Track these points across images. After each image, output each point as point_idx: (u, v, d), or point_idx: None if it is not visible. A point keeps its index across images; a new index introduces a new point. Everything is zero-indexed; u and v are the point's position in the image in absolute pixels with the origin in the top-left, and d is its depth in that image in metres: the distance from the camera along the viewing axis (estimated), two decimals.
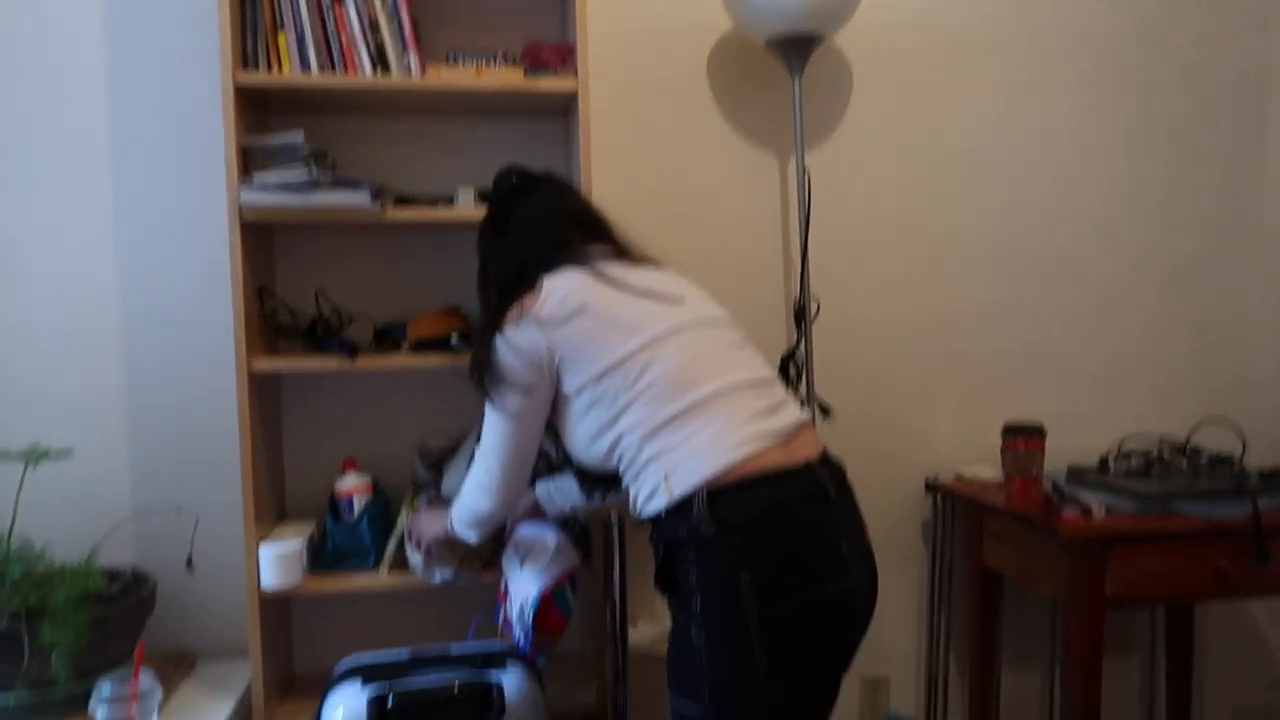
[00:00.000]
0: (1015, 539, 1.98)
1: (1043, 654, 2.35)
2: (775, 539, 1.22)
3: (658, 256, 1.52)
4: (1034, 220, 2.30)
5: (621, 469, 1.36)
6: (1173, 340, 2.36)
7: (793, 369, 2.06)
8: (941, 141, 2.25)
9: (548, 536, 1.71)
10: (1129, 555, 1.76)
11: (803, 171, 2.05)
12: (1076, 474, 2.01)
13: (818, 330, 2.20)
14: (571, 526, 1.88)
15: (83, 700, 1.65)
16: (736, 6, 1.97)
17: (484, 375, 1.41)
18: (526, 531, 1.75)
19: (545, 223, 1.49)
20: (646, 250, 1.52)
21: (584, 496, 1.64)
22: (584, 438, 1.39)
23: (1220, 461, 1.99)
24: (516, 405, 1.40)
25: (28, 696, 1.61)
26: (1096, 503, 1.78)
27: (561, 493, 1.70)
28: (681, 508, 1.25)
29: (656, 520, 1.31)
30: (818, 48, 2.02)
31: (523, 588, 1.68)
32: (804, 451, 1.31)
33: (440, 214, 1.80)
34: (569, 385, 1.36)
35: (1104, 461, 2.05)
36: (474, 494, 1.53)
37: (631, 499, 1.35)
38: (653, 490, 1.29)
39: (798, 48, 1.98)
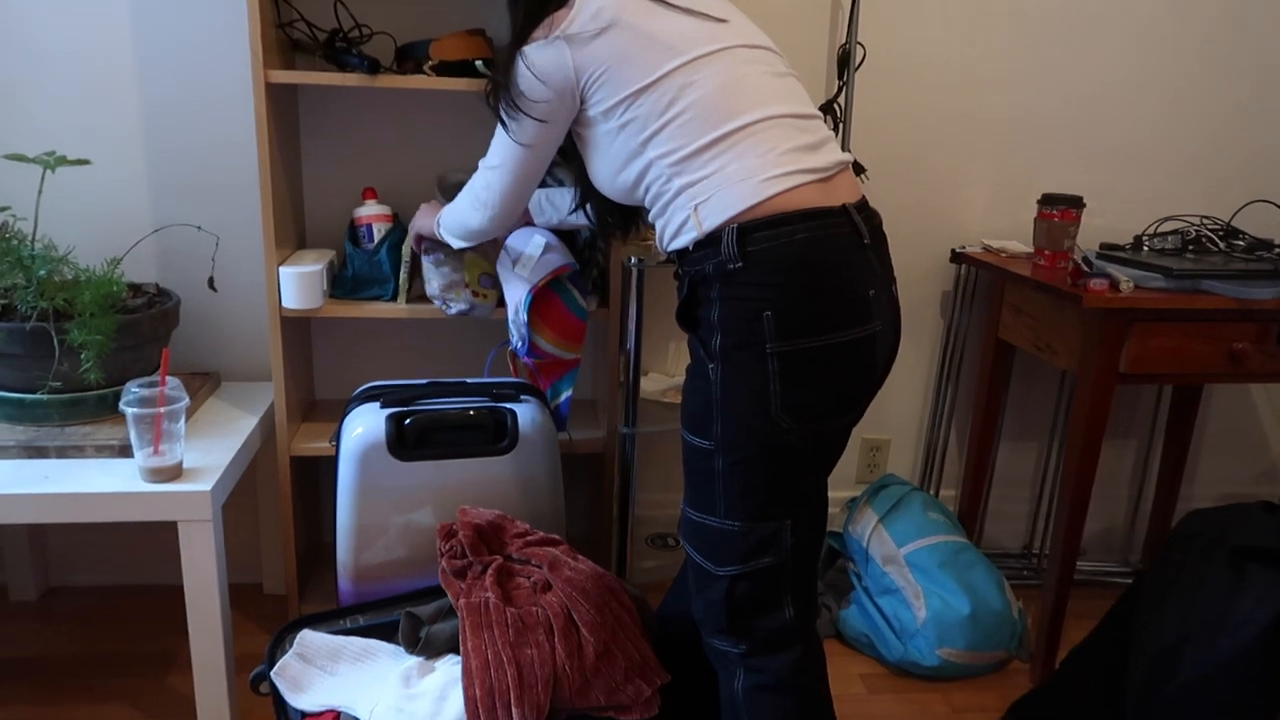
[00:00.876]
0: (1035, 310, 1.97)
1: (1041, 433, 2.41)
2: (802, 277, 1.18)
3: None
4: None
5: (648, 201, 1.31)
6: (1225, 122, 2.24)
7: (830, 121, 1.97)
8: None
9: (535, 237, 1.72)
10: (1149, 331, 1.75)
11: None
12: (1109, 250, 1.97)
13: (860, 82, 2.08)
14: (582, 252, 1.89)
15: (112, 403, 1.71)
16: None
17: (500, 96, 1.34)
18: (515, 237, 1.75)
19: None
20: None
21: (574, 209, 1.63)
22: (610, 166, 1.33)
23: (1259, 245, 1.93)
24: (531, 132, 1.34)
25: (60, 395, 1.67)
26: (1125, 277, 1.75)
27: (553, 204, 1.69)
28: (710, 241, 1.21)
29: (683, 253, 1.28)
30: None
31: (515, 290, 1.71)
32: (842, 194, 1.25)
33: None
34: (596, 107, 1.29)
35: (1139, 240, 2.01)
36: (469, 207, 1.51)
37: (659, 233, 1.32)
38: (682, 223, 1.25)
39: None
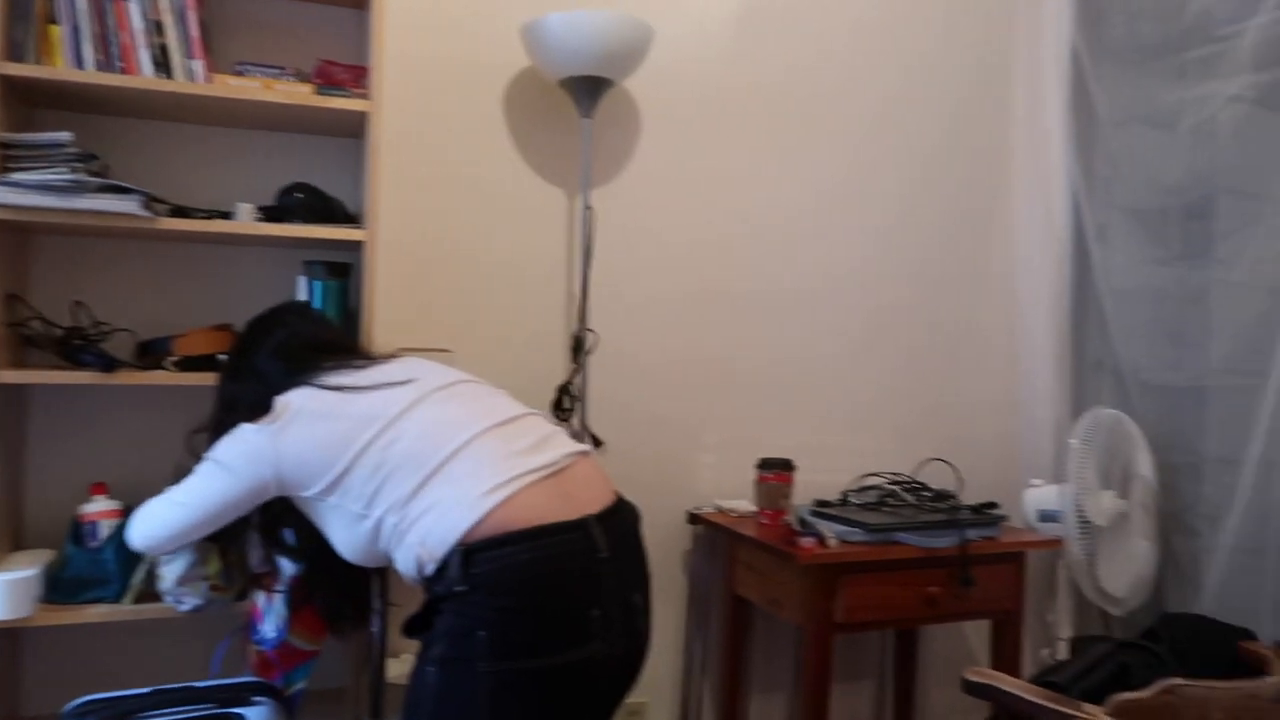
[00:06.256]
0: (762, 567, 2.14)
1: (788, 681, 2.53)
2: (519, 601, 1.25)
3: (393, 352, 1.57)
4: (799, 274, 2.51)
5: (389, 551, 1.38)
6: (911, 389, 2.63)
7: (567, 400, 2.15)
8: (719, 190, 2.43)
9: None
10: (857, 582, 1.96)
11: (586, 209, 2.16)
12: (820, 506, 2.21)
13: (594, 365, 2.30)
14: None
15: None
16: (532, 45, 2.07)
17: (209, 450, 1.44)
18: None
19: (285, 354, 1.51)
20: (383, 350, 1.58)
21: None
22: (344, 532, 1.40)
23: (940, 497, 2.24)
24: (223, 490, 1.42)
25: None
26: (831, 533, 1.97)
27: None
28: (443, 568, 1.28)
29: (426, 581, 1.34)
30: (608, 91, 2.14)
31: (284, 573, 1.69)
32: (581, 502, 1.34)
33: (216, 227, 1.77)
34: (311, 489, 1.38)
35: (845, 496, 2.27)
36: (153, 524, 1.50)
37: (404, 571, 1.37)
38: (415, 560, 1.32)
39: (588, 90, 2.09)
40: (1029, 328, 2.70)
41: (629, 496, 2.30)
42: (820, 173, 2.53)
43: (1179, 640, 2.00)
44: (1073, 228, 2.64)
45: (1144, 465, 2.38)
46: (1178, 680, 1.50)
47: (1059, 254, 2.63)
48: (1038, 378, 2.67)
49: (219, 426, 1.49)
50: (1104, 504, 2.27)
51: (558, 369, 2.28)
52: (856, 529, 2.02)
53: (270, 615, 1.71)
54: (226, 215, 1.86)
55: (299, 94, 1.82)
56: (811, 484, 2.50)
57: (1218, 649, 1.99)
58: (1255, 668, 1.86)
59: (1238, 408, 2.24)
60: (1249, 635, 1.96)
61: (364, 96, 1.86)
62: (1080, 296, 2.66)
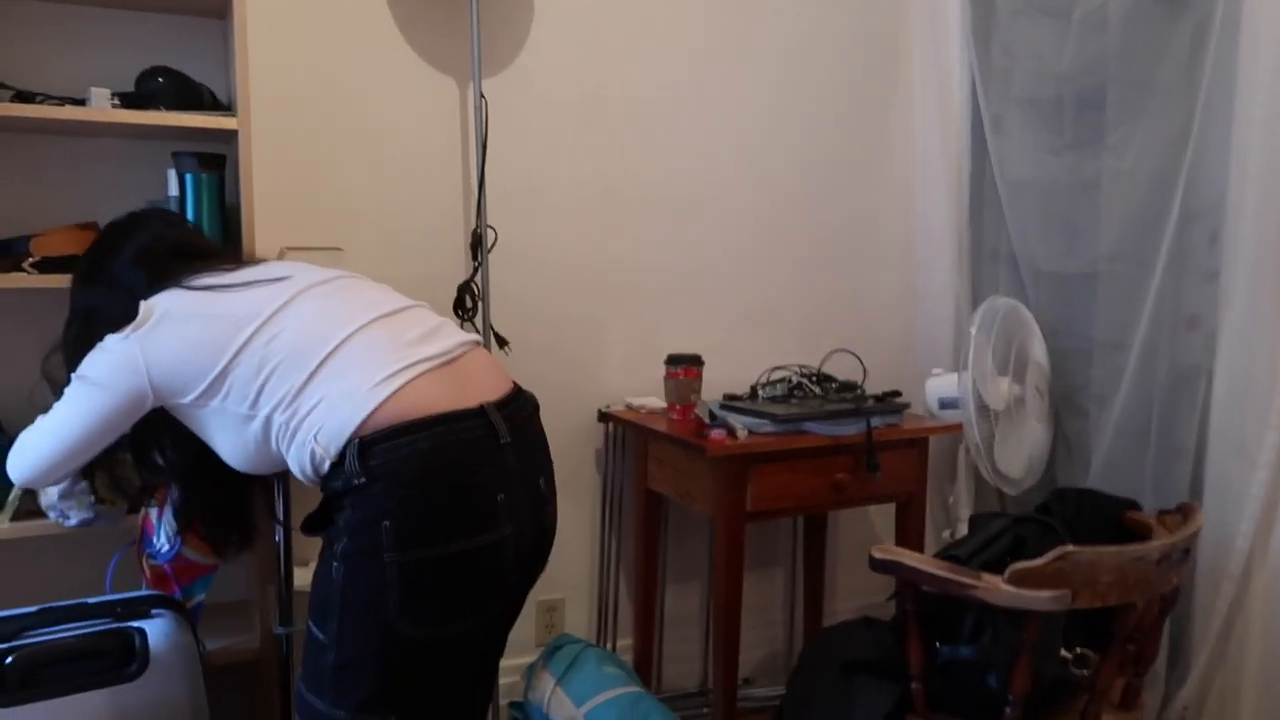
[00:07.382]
0: (674, 461, 2.14)
1: (701, 573, 2.58)
2: (423, 489, 1.21)
3: (277, 256, 1.51)
4: (702, 169, 2.46)
5: (283, 452, 1.31)
6: (813, 283, 2.64)
7: (469, 300, 2.07)
8: (616, 80, 2.33)
9: None
10: (766, 472, 1.98)
11: (480, 98, 2.05)
12: (730, 400, 2.21)
13: (495, 262, 2.22)
14: None
15: None
16: None
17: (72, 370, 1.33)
18: None
19: (148, 260, 1.40)
20: (267, 253, 1.51)
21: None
22: (232, 439, 1.32)
23: (845, 387, 2.26)
24: (99, 409, 1.31)
25: None
26: (741, 425, 1.97)
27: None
28: (338, 463, 1.23)
29: (324, 478, 1.28)
30: None
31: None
32: (479, 390, 1.30)
33: (67, 114, 1.61)
34: (189, 395, 1.29)
35: (754, 389, 2.27)
36: (31, 457, 1.38)
37: (299, 471, 1.31)
38: (311, 457, 1.26)
39: None
40: (927, 219, 2.72)
41: (538, 396, 2.29)
42: (716, 63, 2.45)
43: (1069, 513, 2.09)
44: (970, 119, 2.65)
45: (1038, 351, 2.44)
46: (1069, 547, 1.55)
47: (957, 146, 2.64)
48: (936, 268, 2.70)
49: (77, 343, 1.38)
50: (1001, 389, 2.33)
51: (458, 267, 2.19)
52: (765, 420, 2.03)
53: (163, 528, 1.63)
54: (80, 102, 1.70)
55: None
56: (719, 379, 2.50)
57: (1105, 519, 2.09)
58: (1140, 535, 1.96)
59: (1125, 294, 2.31)
60: (1134, 505, 2.06)
61: None
62: (977, 187, 2.68)
